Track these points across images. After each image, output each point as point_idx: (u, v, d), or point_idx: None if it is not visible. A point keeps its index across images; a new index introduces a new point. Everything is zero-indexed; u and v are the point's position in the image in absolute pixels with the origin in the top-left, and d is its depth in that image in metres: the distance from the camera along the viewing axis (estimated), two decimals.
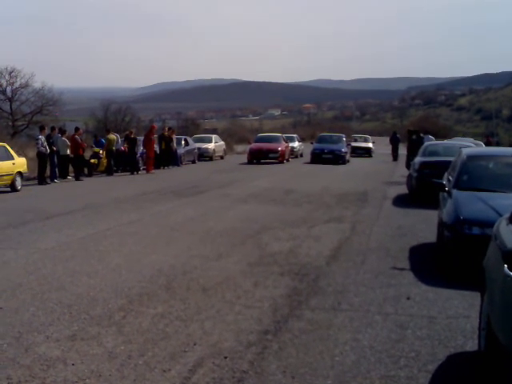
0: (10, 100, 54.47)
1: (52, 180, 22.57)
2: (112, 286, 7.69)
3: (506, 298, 4.51)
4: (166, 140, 30.02)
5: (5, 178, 19.11)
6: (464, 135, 64.49)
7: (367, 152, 44.35)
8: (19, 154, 22.47)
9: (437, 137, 51.32)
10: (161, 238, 11.09)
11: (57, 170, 23.17)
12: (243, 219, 13.47)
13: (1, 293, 7.32)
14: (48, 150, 22.14)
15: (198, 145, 36.12)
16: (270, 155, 34.41)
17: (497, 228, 5.84)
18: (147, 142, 27.70)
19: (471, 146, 17.69)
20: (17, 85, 54.46)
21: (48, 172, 22.68)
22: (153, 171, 27.33)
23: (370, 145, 45.98)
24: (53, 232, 11.61)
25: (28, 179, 21.67)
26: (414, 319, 6.56)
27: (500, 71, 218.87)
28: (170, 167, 30.05)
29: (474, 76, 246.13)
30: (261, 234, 11.63)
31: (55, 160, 22.95)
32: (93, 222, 12.92)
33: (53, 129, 24.01)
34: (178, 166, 30.94)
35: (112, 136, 27.03)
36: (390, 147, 41.47)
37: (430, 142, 23.78)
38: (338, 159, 34.33)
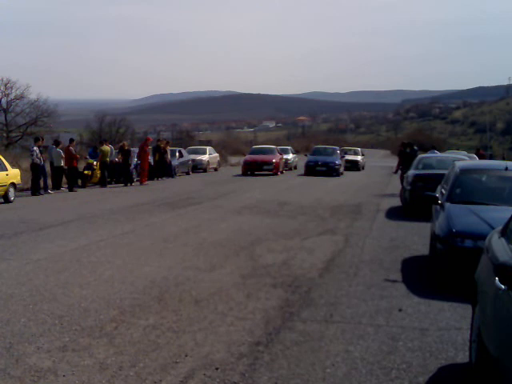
0: (5, 111, 54.48)
1: (45, 191, 22.53)
2: (104, 298, 7.68)
3: (497, 311, 4.53)
4: (160, 152, 30.04)
5: None
6: (458, 148, 64.77)
7: (354, 165, 42.08)
8: (13, 165, 22.44)
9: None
10: (154, 250, 11.08)
11: (48, 180, 23.15)
12: (237, 231, 13.48)
13: None
14: (42, 162, 22.16)
15: (192, 156, 36.11)
16: (265, 167, 34.45)
17: (489, 241, 5.87)
18: (142, 154, 27.72)
19: (464, 159, 17.76)
20: (12, 96, 54.58)
21: (42, 183, 22.66)
22: (146, 183, 27.33)
23: (358, 158, 44.03)
24: (45, 243, 11.58)
25: (21, 190, 21.63)
26: (405, 331, 6.56)
27: (494, 85, 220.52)
28: (164, 179, 30.03)
29: (469, 89, 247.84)
30: (254, 246, 11.62)
31: (45, 171, 22.94)
32: (86, 233, 12.90)
33: (42, 139, 23.85)
34: (172, 177, 30.93)
35: (106, 147, 26.98)
36: (384, 160, 41.19)
37: (423, 155, 23.81)
38: (331, 171, 34.34)
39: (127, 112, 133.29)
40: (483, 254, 5.77)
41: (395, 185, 25.96)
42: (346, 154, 42.92)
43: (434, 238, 9.44)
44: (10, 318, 6.73)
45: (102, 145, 27.34)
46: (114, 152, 28.36)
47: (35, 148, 22.22)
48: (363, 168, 43.51)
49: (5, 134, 53.13)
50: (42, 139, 24.00)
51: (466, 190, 10.29)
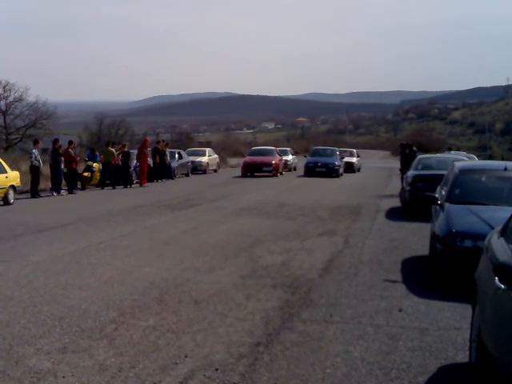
0: (4, 114, 54.48)
1: (58, 191, 22.76)
2: (104, 299, 7.67)
3: (497, 310, 4.53)
4: (159, 153, 30.05)
5: None
6: (457, 149, 64.72)
7: (349, 167, 40.39)
8: (12, 168, 22.42)
9: (430, 150, 51.27)
10: (153, 251, 11.08)
11: (48, 183, 23.24)
12: (236, 232, 13.47)
13: None
14: (41, 164, 22.22)
15: (191, 158, 36.12)
16: (264, 168, 34.42)
17: (488, 241, 5.87)
18: (141, 156, 27.74)
19: (464, 160, 17.76)
20: (11, 98, 54.57)
21: (42, 185, 22.72)
22: (146, 184, 27.32)
23: (354, 159, 42.66)
24: (45, 245, 11.58)
25: (21, 192, 21.63)
26: (405, 331, 6.56)
27: (493, 85, 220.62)
28: (164, 180, 30.04)
29: (468, 90, 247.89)
30: (254, 247, 11.62)
31: (61, 172, 23.11)
32: (85, 235, 12.89)
33: (56, 141, 23.96)
34: (172, 179, 30.94)
35: (111, 149, 27.06)
36: (384, 161, 41.03)
37: (424, 155, 23.79)
38: (331, 172, 34.34)
39: (126, 114, 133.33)
40: (483, 254, 5.77)
41: (395, 186, 25.96)
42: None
43: (434, 238, 9.44)
44: (10, 320, 6.72)
45: (108, 146, 27.47)
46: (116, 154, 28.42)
47: (34, 150, 22.24)
48: (359, 170, 42.67)
49: (4, 137, 53.14)
50: (57, 141, 23.95)
51: (465, 190, 10.29)
